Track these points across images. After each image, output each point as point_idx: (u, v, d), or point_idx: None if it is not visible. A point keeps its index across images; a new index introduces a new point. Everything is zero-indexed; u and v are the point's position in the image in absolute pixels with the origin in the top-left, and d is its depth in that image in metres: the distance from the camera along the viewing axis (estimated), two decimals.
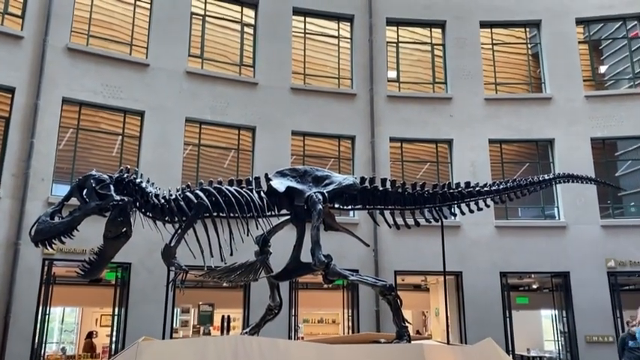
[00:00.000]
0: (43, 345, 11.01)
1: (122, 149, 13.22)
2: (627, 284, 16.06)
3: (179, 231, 6.86)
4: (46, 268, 11.29)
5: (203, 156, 14.18)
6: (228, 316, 13.36)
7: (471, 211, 7.70)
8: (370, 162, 14.63)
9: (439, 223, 7.65)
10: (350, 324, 13.97)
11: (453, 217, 12.95)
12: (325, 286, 16.78)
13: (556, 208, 15.02)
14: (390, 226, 7.87)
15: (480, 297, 13.90)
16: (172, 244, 6.86)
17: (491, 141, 15.27)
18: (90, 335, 14.77)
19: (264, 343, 6.33)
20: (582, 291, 14.02)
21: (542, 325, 18.93)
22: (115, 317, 11.58)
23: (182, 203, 6.75)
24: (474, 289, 14.01)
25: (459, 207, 7.72)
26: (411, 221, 7.56)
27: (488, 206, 7.89)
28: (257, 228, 7.14)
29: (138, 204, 6.56)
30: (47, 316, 11.08)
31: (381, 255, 13.89)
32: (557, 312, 14.90)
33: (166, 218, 6.78)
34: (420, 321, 19.46)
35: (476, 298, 13.92)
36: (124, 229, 6.44)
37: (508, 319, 13.93)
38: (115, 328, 11.69)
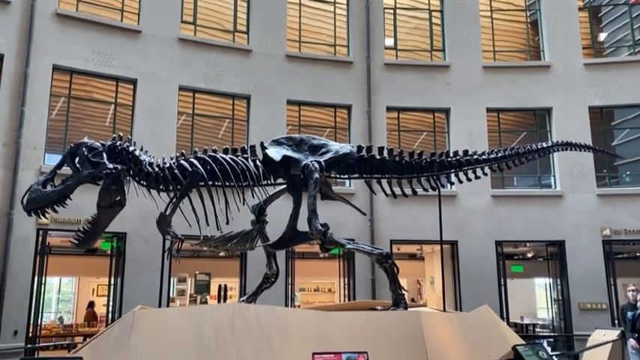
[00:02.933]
0: (40, 315, 11.03)
1: (115, 118, 13.01)
2: (621, 252, 16.21)
3: (174, 200, 6.79)
4: (40, 238, 11.22)
5: (197, 125, 14.00)
6: (225, 285, 13.42)
7: (469, 180, 7.63)
8: (367, 131, 14.50)
9: (436, 193, 7.60)
10: (346, 292, 14.07)
11: (450, 187, 12.96)
12: (322, 255, 16.88)
13: (552, 177, 15.01)
14: (387, 195, 7.82)
15: (475, 265, 13.99)
16: (167, 213, 6.79)
17: (489, 110, 15.14)
18: (91, 305, 14.86)
19: (261, 310, 6.32)
20: (577, 259, 14.13)
21: (536, 294, 19.25)
22: (112, 287, 11.59)
23: (176, 171, 6.66)
24: (470, 258, 14.10)
25: (457, 175, 7.65)
26: (408, 190, 7.50)
27: (485, 174, 7.83)
28: (253, 197, 7.07)
29: (131, 172, 6.46)
30: (43, 286, 11.06)
31: (377, 224, 13.90)
32: (551, 280, 15.05)
33: (161, 187, 6.69)
34: (415, 289, 19.68)
35: (471, 266, 14.02)
36: (118, 197, 6.35)
37: (503, 287, 14.06)
38: (111, 298, 11.72)
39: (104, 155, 6.27)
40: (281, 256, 12.89)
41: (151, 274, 11.08)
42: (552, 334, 14.83)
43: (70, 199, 6.25)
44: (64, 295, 17.53)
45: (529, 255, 17.19)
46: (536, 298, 19.37)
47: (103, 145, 6.25)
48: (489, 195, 14.57)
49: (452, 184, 9.23)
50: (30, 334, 10.48)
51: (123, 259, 11.51)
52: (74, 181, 6.16)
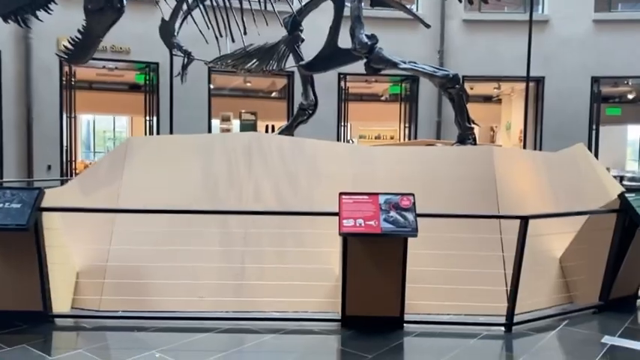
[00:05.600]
0: (72, 151, 10.48)
1: None
2: None
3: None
4: (65, 68, 10.18)
5: None
6: (272, 126, 12.31)
7: None
8: None
9: (523, 17, 5.59)
10: (407, 140, 12.61)
11: (542, 9, 10.46)
12: (382, 96, 15.21)
13: None
14: (460, 1, 6.03)
15: (563, 107, 11.89)
16: (169, 19, 5.40)
17: None
18: None
19: (285, 141, 5.05)
20: None
21: (627, 144, 17.17)
22: (146, 124, 10.68)
23: None
24: (557, 98, 11.95)
25: None
26: None
27: None
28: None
29: None
30: (71, 120, 10.31)
31: (447, 57, 11.86)
32: None
33: None
34: (488, 137, 17.85)
35: (558, 108, 11.93)
36: None
37: (594, 133, 12.01)
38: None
39: None
40: (332, 97, 11.42)
41: (189, 112, 10.06)
42: None
43: (56, 3, 5.02)
44: (110, 133, 17.32)
45: (629, 96, 14.61)
46: (626, 148, 17.25)
47: None
48: (590, 20, 11.85)
49: None
50: (63, 170, 10.04)
51: (157, 94, 10.46)
52: None
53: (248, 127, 11.24)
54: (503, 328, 3.85)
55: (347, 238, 3.68)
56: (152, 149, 4.69)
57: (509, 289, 3.93)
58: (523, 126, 12.61)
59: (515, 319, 3.86)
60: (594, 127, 12.10)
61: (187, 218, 4.24)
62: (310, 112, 6.38)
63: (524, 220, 3.75)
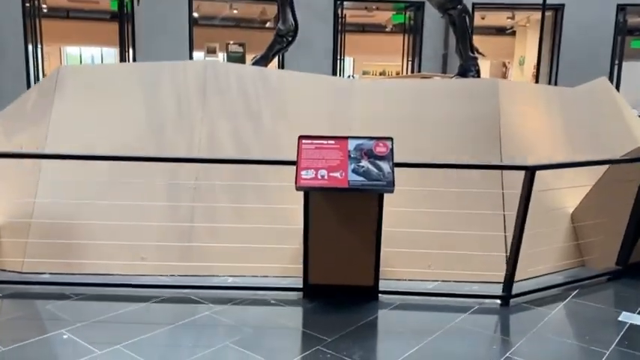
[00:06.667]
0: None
1: None
2: None
3: None
4: None
5: None
6: None
7: None
8: None
9: None
10: (411, 73, 11.62)
11: None
12: (386, 28, 14.05)
13: None
14: None
15: (582, 39, 10.76)
16: None
17: None
18: None
19: (247, 72, 4.25)
20: None
21: None
22: (120, 57, 9.72)
23: None
24: (577, 29, 10.80)
25: None
26: None
27: None
28: None
29: None
30: (37, 50, 9.38)
31: None
32: None
33: None
34: (500, 73, 16.71)
35: (578, 40, 10.80)
36: None
37: (616, 68, 10.94)
38: None
39: None
40: (328, 26, 10.38)
41: (166, 43, 9.13)
42: None
43: None
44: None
45: None
46: None
47: None
48: None
49: None
50: None
51: (132, 22, 9.46)
52: None
53: (235, 60, 10.30)
54: (498, 301, 3.20)
55: (308, 193, 2.98)
56: (87, 81, 3.92)
57: (508, 254, 3.25)
58: (537, 61, 11.55)
59: (515, 288, 3.20)
60: (617, 62, 11.00)
61: (127, 166, 3.54)
62: (289, 38, 5.49)
63: (530, 171, 3.00)
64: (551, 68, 11.12)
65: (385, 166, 2.88)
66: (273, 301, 3.15)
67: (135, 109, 3.84)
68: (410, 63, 11.22)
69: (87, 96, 3.88)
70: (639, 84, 14.76)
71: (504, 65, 16.17)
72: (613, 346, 2.68)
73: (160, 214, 3.58)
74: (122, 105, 3.85)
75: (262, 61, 5.58)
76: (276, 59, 10.54)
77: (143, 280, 3.33)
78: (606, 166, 3.63)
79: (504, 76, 15.93)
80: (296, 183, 2.85)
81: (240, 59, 10.39)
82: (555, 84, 10.72)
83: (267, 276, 3.46)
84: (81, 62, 16.32)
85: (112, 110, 3.83)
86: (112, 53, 15.65)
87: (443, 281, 3.48)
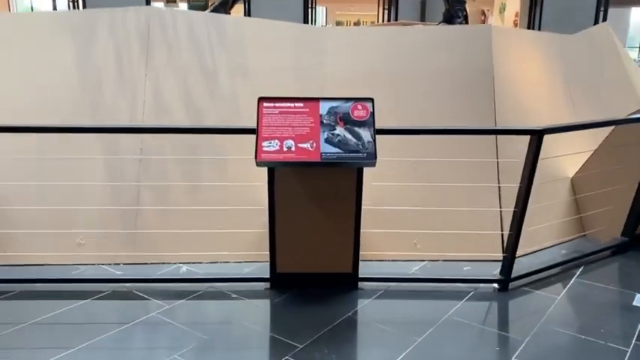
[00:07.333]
0: None
1: None
2: None
3: None
4: None
5: None
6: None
7: None
8: None
9: None
10: (388, 22, 10.90)
11: None
12: None
13: None
14: None
15: None
16: None
17: None
18: None
19: (199, 20, 3.61)
20: None
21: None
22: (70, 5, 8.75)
23: None
24: None
25: None
26: None
27: None
28: None
29: None
30: None
31: None
32: None
33: None
34: (478, 21, 16.07)
35: None
36: None
37: (602, 14, 10.44)
38: None
39: None
40: None
41: None
42: None
43: None
44: None
45: None
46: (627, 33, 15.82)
47: None
48: None
49: None
50: None
51: None
52: None
53: (198, 9, 9.42)
54: (496, 285, 2.78)
55: (273, 169, 2.45)
56: (4, 32, 3.24)
57: (505, 233, 2.81)
58: (520, 8, 10.97)
59: (514, 270, 2.78)
60: (602, 8, 10.49)
61: (58, 137, 2.95)
62: None
63: (538, 135, 2.51)
64: (533, 16, 10.55)
65: (365, 133, 2.36)
66: (234, 295, 2.67)
67: (65, 68, 3.19)
68: (386, 12, 10.50)
69: (6, 51, 3.21)
70: (625, 31, 14.41)
71: (483, 13, 15.50)
72: (634, 342, 2.29)
73: (100, 194, 3.02)
74: (49, 62, 3.20)
75: (222, 7, 4.93)
76: (241, 8, 9.75)
77: (82, 274, 2.81)
78: (610, 128, 3.18)
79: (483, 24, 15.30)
80: (256, 157, 2.32)
81: (204, 9, 9.52)
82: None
83: (227, 262, 2.97)
84: (32, 10, 15.11)
85: (37, 69, 3.18)
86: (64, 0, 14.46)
87: (430, 261, 3.05)
